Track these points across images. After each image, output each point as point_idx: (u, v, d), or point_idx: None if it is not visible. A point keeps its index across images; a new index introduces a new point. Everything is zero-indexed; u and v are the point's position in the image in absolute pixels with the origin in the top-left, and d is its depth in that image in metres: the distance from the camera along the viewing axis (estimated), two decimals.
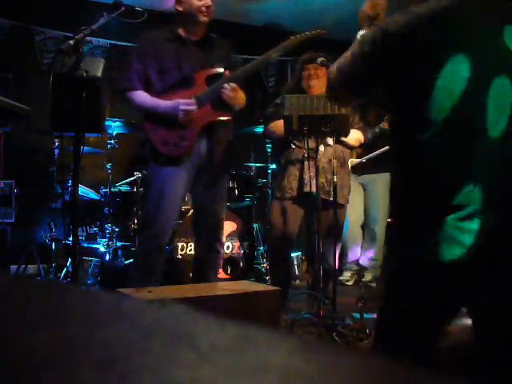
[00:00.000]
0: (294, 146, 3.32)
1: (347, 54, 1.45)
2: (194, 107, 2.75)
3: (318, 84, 3.30)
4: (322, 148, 3.09)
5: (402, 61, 1.29)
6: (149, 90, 2.82)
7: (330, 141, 3.21)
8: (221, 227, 2.99)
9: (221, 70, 2.83)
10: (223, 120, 2.84)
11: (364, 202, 4.52)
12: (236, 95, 2.79)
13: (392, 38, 1.30)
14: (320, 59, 3.17)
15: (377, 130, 3.95)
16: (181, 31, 2.86)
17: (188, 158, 2.80)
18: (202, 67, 2.84)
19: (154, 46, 2.83)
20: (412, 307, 1.33)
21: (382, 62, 1.33)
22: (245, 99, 2.95)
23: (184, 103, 2.74)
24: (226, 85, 2.75)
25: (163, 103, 2.77)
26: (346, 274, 4.42)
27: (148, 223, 2.85)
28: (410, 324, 1.35)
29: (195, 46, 2.87)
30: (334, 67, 1.51)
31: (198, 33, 2.87)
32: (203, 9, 2.79)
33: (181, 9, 2.82)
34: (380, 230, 4.42)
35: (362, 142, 3.50)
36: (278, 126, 3.30)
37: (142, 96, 2.81)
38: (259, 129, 4.13)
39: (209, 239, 2.96)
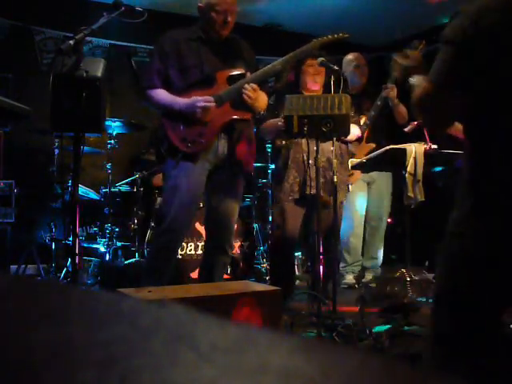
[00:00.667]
0: (294, 147, 3.32)
1: (435, 64, 1.43)
2: (211, 104, 2.75)
3: (318, 82, 3.30)
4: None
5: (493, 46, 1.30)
6: (170, 88, 2.83)
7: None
8: (232, 229, 2.97)
9: (242, 70, 2.84)
10: (243, 118, 2.85)
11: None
12: (256, 96, 2.78)
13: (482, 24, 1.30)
14: (320, 59, 3.17)
15: (364, 126, 3.95)
16: (203, 31, 2.88)
17: (205, 154, 2.80)
18: (224, 67, 2.85)
19: (176, 45, 2.84)
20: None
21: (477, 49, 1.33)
22: (266, 101, 2.95)
23: (201, 100, 2.75)
24: (246, 85, 2.75)
25: (181, 100, 2.78)
26: (349, 278, 4.40)
27: (162, 219, 2.84)
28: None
29: (217, 45, 2.88)
30: (423, 83, 1.46)
31: (221, 35, 2.88)
32: (220, 23, 2.80)
33: (202, 16, 2.85)
34: (381, 228, 4.43)
35: (360, 136, 3.51)
36: (269, 125, 3.30)
37: (161, 94, 2.83)
38: None
39: (219, 240, 2.93)
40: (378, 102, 3.96)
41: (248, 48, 3.02)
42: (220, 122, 2.80)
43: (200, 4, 2.85)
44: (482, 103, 1.39)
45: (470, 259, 1.35)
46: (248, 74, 2.83)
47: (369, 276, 4.42)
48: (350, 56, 4.34)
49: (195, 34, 2.88)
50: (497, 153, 1.34)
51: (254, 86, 2.76)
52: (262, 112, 2.97)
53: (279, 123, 3.19)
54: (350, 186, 4.07)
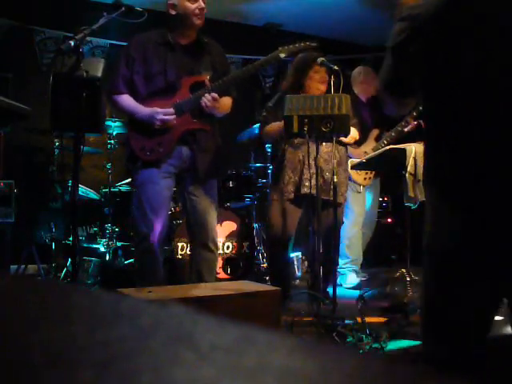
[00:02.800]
0: (290, 147, 3.32)
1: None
2: (171, 117, 2.77)
3: (321, 90, 3.30)
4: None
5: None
6: (135, 94, 2.84)
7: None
8: (211, 226, 2.97)
9: (207, 77, 2.84)
10: (201, 129, 2.86)
11: None
12: (216, 105, 2.79)
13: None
14: (320, 59, 3.17)
15: (382, 144, 4.03)
16: (171, 35, 2.87)
17: (168, 160, 2.82)
18: (189, 73, 2.85)
19: (143, 50, 2.84)
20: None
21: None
22: (229, 105, 2.98)
23: (161, 112, 2.76)
24: (206, 95, 2.76)
25: (142, 110, 2.79)
26: (351, 278, 4.39)
27: (136, 226, 2.89)
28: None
29: (184, 50, 2.88)
30: None
31: (190, 36, 2.88)
32: (197, 11, 2.79)
33: (174, 13, 2.82)
34: (366, 236, 4.53)
35: (357, 138, 3.52)
36: (273, 128, 3.30)
37: (124, 100, 2.84)
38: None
39: (201, 239, 2.95)
40: (399, 128, 4.05)
41: (219, 52, 3.01)
42: (179, 132, 2.82)
43: (170, 1, 2.82)
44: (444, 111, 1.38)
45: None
46: (207, 82, 2.81)
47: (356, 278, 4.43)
48: (357, 70, 4.43)
49: (164, 37, 2.87)
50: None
51: (215, 95, 2.77)
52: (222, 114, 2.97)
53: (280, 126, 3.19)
54: (361, 187, 4.16)
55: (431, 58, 1.32)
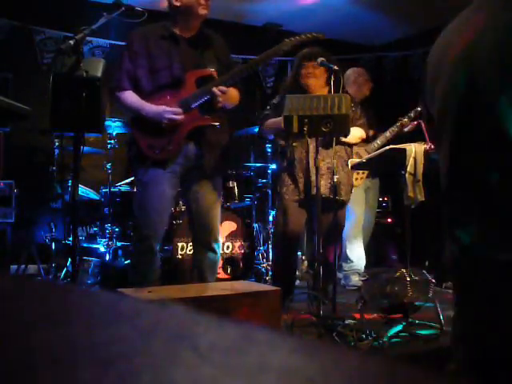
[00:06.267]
0: (294, 145, 3.31)
1: None
2: (179, 117, 2.71)
3: (316, 83, 3.29)
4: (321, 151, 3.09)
5: None
6: (139, 89, 2.78)
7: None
8: (216, 227, 2.95)
9: (212, 70, 2.78)
10: (211, 124, 2.81)
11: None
12: (225, 98, 2.74)
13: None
14: (320, 59, 3.16)
15: (375, 144, 4.01)
16: (174, 28, 2.81)
17: (174, 160, 2.78)
18: (194, 67, 2.80)
19: (146, 44, 2.78)
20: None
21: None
22: (238, 97, 2.91)
23: (170, 112, 2.71)
24: (214, 89, 2.69)
25: (149, 107, 2.73)
26: (355, 279, 4.40)
27: (138, 225, 2.88)
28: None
29: (188, 43, 2.82)
30: None
31: (193, 29, 2.82)
32: (202, 1, 2.72)
33: (178, 4, 2.74)
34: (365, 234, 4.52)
35: (364, 138, 3.51)
36: (275, 122, 3.28)
37: (129, 97, 2.78)
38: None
39: (205, 239, 2.93)
40: (394, 129, 4.05)
41: (222, 44, 2.96)
42: (188, 128, 2.76)
43: None
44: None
45: None
46: (215, 74, 2.76)
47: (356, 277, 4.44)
48: (349, 71, 4.39)
49: (167, 31, 2.81)
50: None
51: (223, 88, 2.70)
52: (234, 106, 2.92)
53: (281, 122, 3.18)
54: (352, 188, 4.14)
55: None
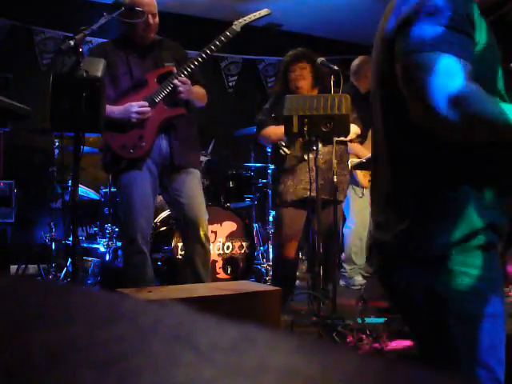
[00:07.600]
0: (288, 152, 3.32)
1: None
2: (146, 109, 2.79)
3: (306, 84, 3.30)
4: (320, 147, 3.09)
5: None
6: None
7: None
8: (202, 219, 2.95)
9: (170, 67, 2.87)
10: (178, 114, 2.88)
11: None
12: (187, 88, 2.82)
13: None
14: (320, 59, 3.17)
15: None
16: (129, 37, 2.91)
17: (149, 156, 2.84)
18: (153, 68, 2.90)
19: (105, 56, 2.83)
20: None
21: None
22: (204, 95, 3.00)
23: (135, 105, 2.78)
24: (175, 80, 2.79)
25: (115, 109, 2.79)
26: (358, 278, 4.40)
27: (124, 229, 2.92)
28: None
29: (144, 49, 2.92)
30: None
31: (148, 38, 2.91)
32: (142, 27, 2.82)
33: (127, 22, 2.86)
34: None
35: (359, 133, 3.52)
36: (271, 132, 3.30)
37: None
38: None
39: (193, 234, 2.93)
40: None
41: (178, 47, 3.07)
42: (157, 122, 2.83)
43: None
44: None
45: None
46: (173, 68, 2.86)
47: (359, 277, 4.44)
48: (356, 60, 4.37)
49: (121, 43, 2.93)
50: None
51: (183, 78, 2.80)
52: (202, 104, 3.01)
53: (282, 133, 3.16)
54: (363, 190, 4.12)
55: None
